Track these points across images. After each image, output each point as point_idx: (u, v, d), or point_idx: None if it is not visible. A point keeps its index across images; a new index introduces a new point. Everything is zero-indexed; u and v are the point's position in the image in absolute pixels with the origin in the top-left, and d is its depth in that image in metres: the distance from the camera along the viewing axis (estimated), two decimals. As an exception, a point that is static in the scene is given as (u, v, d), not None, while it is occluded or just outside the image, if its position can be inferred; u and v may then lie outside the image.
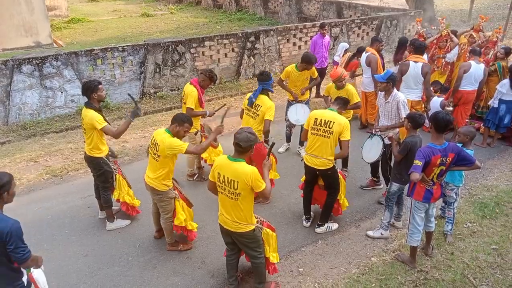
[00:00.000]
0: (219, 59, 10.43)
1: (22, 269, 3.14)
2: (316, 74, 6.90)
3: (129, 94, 5.46)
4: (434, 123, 4.04)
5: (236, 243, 3.97)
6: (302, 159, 5.05)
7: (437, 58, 8.35)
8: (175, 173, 6.34)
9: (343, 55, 8.96)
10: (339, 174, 5.04)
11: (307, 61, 6.46)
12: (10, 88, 8.07)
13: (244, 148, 3.63)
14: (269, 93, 5.51)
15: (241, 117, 5.69)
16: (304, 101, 6.75)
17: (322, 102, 9.21)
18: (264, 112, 5.30)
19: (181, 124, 4.29)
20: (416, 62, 6.58)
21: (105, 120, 4.78)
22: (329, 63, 10.82)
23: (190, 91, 5.61)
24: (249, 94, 5.52)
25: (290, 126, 6.89)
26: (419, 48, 6.80)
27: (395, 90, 5.37)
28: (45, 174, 6.52)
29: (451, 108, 6.95)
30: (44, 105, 8.46)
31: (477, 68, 6.91)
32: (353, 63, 8.37)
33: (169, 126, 4.34)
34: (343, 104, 5.02)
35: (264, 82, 5.36)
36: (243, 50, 10.68)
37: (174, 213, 4.60)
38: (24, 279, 3.16)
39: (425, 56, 7.21)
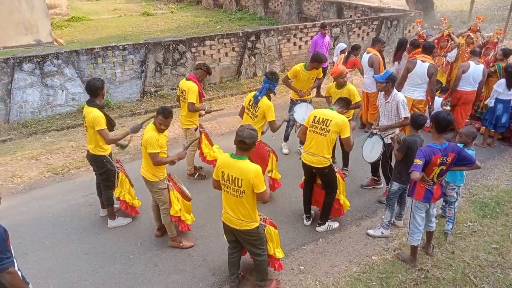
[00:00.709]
0: (219, 58, 10.44)
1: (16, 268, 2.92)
2: (321, 75, 6.89)
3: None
4: (435, 123, 4.06)
5: (240, 241, 3.99)
6: (300, 158, 5.07)
7: (437, 56, 8.38)
8: (175, 171, 6.37)
9: (339, 55, 8.99)
10: (338, 174, 5.05)
11: (318, 61, 6.42)
12: (11, 86, 8.07)
13: (249, 144, 3.64)
14: (271, 95, 5.46)
15: (241, 116, 5.64)
16: (308, 100, 6.76)
17: (323, 102, 9.24)
18: (263, 113, 5.22)
19: (156, 116, 4.34)
20: (423, 61, 6.60)
21: (108, 120, 4.81)
22: (330, 63, 10.84)
23: (191, 86, 5.65)
24: (251, 93, 5.49)
25: (293, 124, 6.86)
26: (428, 48, 6.85)
27: (394, 90, 5.39)
28: (46, 172, 6.53)
29: (448, 108, 6.99)
30: (45, 103, 8.46)
31: (476, 69, 6.94)
32: (352, 60, 8.36)
33: None
34: (345, 104, 4.98)
35: (272, 82, 5.28)
36: (243, 49, 10.69)
37: (170, 204, 4.66)
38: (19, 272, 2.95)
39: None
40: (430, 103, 6.85)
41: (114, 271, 4.52)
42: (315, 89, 9.71)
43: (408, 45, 8.19)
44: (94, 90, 4.71)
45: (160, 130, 4.37)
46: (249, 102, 5.40)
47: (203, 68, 5.82)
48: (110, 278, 4.42)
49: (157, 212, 4.88)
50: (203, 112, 6.00)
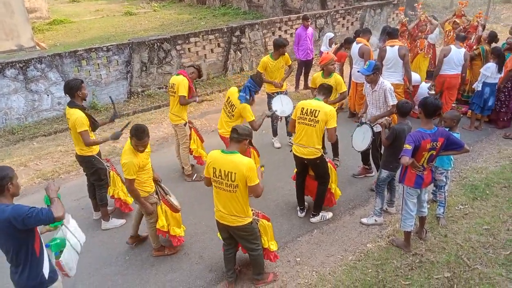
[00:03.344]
0: (205, 55, 10.39)
1: (44, 258, 3.12)
2: (290, 61, 6.93)
3: (110, 97, 5.46)
4: (423, 108, 4.09)
5: (234, 237, 3.99)
6: (291, 150, 5.07)
7: (419, 39, 8.50)
8: (170, 171, 6.34)
9: (329, 45, 9.01)
10: (329, 164, 5.08)
11: (280, 45, 6.53)
12: (-6, 93, 7.94)
13: (240, 134, 3.65)
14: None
15: None
16: (283, 91, 6.79)
17: (310, 94, 9.27)
18: (239, 113, 5.20)
19: (131, 138, 4.08)
20: (392, 46, 6.83)
21: (91, 121, 4.78)
22: (316, 54, 10.86)
23: (181, 80, 5.65)
24: (232, 89, 5.43)
25: (276, 118, 6.87)
26: (391, 33, 7.13)
27: (381, 78, 5.44)
28: (36, 178, 6.45)
29: (432, 92, 7.08)
30: (31, 109, 8.34)
31: (457, 52, 7.03)
32: (342, 54, 8.41)
33: None
34: (327, 92, 4.99)
35: (256, 84, 5.28)
36: (229, 45, 10.64)
37: (157, 218, 4.47)
38: (46, 270, 3.12)
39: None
40: (408, 85, 6.99)
41: (111, 273, 4.50)
42: (302, 81, 9.80)
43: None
44: (70, 90, 4.67)
45: (139, 151, 4.11)
46: (227, 99, 5.39)
47: (196, 66, 5.95)
48: (106, 281, 4.41)
49: (137, 221, 4.78)
50: (197, 99, 5.97)
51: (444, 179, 4.92)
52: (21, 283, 3.07)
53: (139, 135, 3.99)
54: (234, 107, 5.25)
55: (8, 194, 2.97)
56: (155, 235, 4.58)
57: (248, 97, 5.24)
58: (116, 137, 4.91)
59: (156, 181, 4.60)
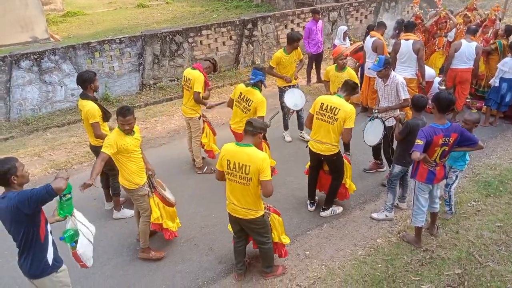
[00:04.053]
0: (217, 47, 10.37)
1: (49, 245, 3.18)
2: (302, 55, 6.88)
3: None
4: (436, 103, 4.03)
5: (245, 230, 4.01)
6: (307, 145, 5.05)
7: (438, 37, 8.32)
8: (180, 163, 6.39)
9: (343, 38, 8.90)
10: (344, 159, 5.05)
11: (294, 39, 6.48)
12: (9, 84, 8.05)
13: (255, 128, 3.65)
14: (262, 87, 5.41)
15: (230, 107, 5.60)
16: (295, 85, 6.75)
17: (323, 87, 9.21)
18: (255, 108, 5.17)
19: (117, 119, 4.10)
20: (407, 40, 6.75)
21: (103, 112, 4.82)
22: (329, 48, 10.77)
23: (198, 76, 5.63)
24: (239, 86, 5.42)
25: (288, 112, 6.86)
26: (407, 26, 7.01)
27: (393, 72, 5.39)
28: (49, 168, 6.55)
29: (443, 87, 6.97)
30: (45, 100, 8.45)
31: (468, 46, 6.90)
32: (360, 54, 8.22)
33: None
34: (351, 89, 4.85)
35: (264, 74, 5.29)
36: (241, 37, 10.60)
37: (151, 211, 4.41)
38: (50, 257, 3.17)
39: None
40: (422, 80, 6.88)
41: (122, 262, 4.57)
42: (314, 75, 9.74)
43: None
44: (83, 83, 4.73)
45: (126, 131, 4.08)
46: (239, 95, 5.34)
47: (211, 60, 5.92)
48: (118, 270, 4.48)
49: (139, 217, 4.69)
50: (208, 104, 5.91)
51: (454, 178, 4.85)
52: (25, 269, 3.14)
53: (123, 113, 4.01)
54: (251, 102, 5.20)
55: (15, 185, 3.03)
56: (146, 233, 4.48)
57: (252, 81, 5.24)
58: None
59: (150, 176, 4.50)
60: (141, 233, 4.51)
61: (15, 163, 3.04)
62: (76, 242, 3.33)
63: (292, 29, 11.48)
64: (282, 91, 6.73)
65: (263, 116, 5.16)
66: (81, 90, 4.86)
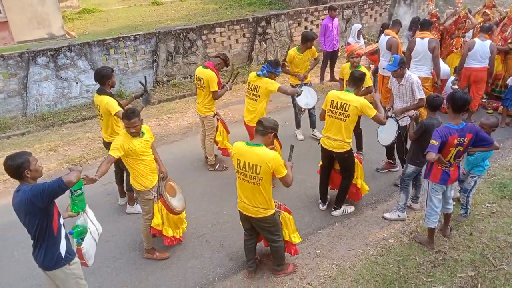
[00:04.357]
0: (230, 45, 10.39)
1: (61, 237, 3.25)
2: (316, 54, 6.84)
3: (140, 82, 5.50)
4: (451, 103, 3.97)
5: (256, 228, 4.02)
6: (319, 142, 5.04)
7: (456, 37, 8.19)
8: (192, 161, 6.43)
9: (357, 37, 8.83)
10: (356, 158, 5.02)
11: (308, 39, 6.44)
12: (26, 80, 8.20)
13: (265, 127, 3.64)
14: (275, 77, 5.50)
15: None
16: (308, 83, 6.72)
17: (336, 86, 9.15)
18: (264, 88, 5.29)
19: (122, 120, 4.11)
20: (422, 38, 6.64)
21: (120, 105, 4.86)
22: (342, 46, 10.70)
23: (210, 75, 5.65)
24: (251, 74, 5.51)
25: (300, 110, 6.84)
26: (423, 24, 6.87)
27: (408, 71, 5.32)
28: (64, 163, 6.66)
29: (456, 87, 6.87)
30: (60, 96, 8.59)
31: (482, 45, 6.78)
32: (375, 57, 8.13)
33: None
34: (358, 81, 4.74)
35: (275, 68, 5.36)
36: (254, 35, 10.60)
37: (153, 216, 4.38)
38: (62, 249, 3.24)
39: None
40: (437, 79, 6.79)
41: (135, 257, 4.64)
42: (328, 73, 9.69)
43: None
44: (101, 79, 4.78)
45: (133, 134, 4.03)
46: (248, 85, 5.49)
47: (222, 56, 5.90)
48: (131, 264, 4.54)
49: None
50: (228, 87, 5.98)
51: (472, 183, 4.77)
52: (39, 260, 3.22)
53: (129, 115, 3.96)
54: (258, 87, 5.33)
55: (28, 178, 3.08)
56: (148, 235, 4.48)
57: (262, 73, 5.32)
58: (147, 101, 5.02)
59: (160, 179, 4.44)
60: (143, 235, 4.55)
61: (28, 157, 3.09)
62: (82, 239, 3.38)
63: (305, 27, 11.44)
64: (294, 88, 6.70)
65: (278, 87, 5.29)
66: (97, 87, 4.91)
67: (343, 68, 6.14)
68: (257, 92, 5.37)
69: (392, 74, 5.34)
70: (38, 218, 3.06)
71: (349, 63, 5.99)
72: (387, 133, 5.30)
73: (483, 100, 7.66)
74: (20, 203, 3.00)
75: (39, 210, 3.02)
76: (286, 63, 6.63)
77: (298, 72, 6.65)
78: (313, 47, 6.63)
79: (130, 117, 3.96)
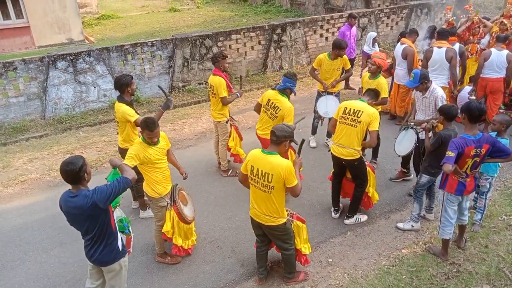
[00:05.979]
0: (245, 52, 10.46)
1: (118, 232, 3.43)
2: (349, 65, 6.74)
3: (159, 86, 5.58)
4: (467, 113, 3.93)
5: (267, 235, 4.03)
6: (329, 150, 5.02)
7: (470, 43, 8.10)
8: (206, 166, 6.46)
9: (372, 45, 8.80)
10: (368, 167, 4.99)
11: (338, 47, 6.30)
12: (46, 83, 8.40)
13: (278, 137, 3.65)
14: (291, 95, 5.28)
15: (257, 111, 5.55)
16: (334, 93, 6.65)
17: (351, 94, 9.13)
18: (283, 116, 5.08)
19: (143, 131, 4.10)
20: (439, 47, 6.58)
21: (136, 113, 4.93)
22: (358, 54, 10.67)
23: (218, 81, 5.69)
24: (268, 92, 5.32)
25: (319, 118, 6.82)
26: (441, 33, 6.79)
27: (433, 84, 5.22)
28: (81, 166, 6.76)
29: (473, 97, 6.78)
30: (78, 100, 8.76)
31: (498, 55, 6.69)
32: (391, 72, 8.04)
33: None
34: (373, 95, 4.89)
35: (293, 82, 5.14)
36: (269, 42, 10.66)
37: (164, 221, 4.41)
38: (120, 243, 3.41)
39: (457, 46, 7.01)
40: (453, 89, 6.71)
41: (147, 261, 4.68)
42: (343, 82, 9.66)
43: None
44: (121, 86, 4.86)
45: (153, 143, 4.10)
46: (267, 102, 5.24)
47: (218, 56, 5.78)
48: (143, 268, 4.58)
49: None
50: (239, 94, 6.02)
51: (488, 186, 4.72)
52: (97, 258, 3.32)
53: (150, 126, 3.98)
54: (279, 109, 5.11)
55: (85, 182, 3.19)
56: (160, 240, 4.54)
57: (279, 88, 5.16)
58: (167, 106, 5.05)
59: (174, 187, 4.45)
60: (155, 240, 4.62)
61: (85, 161, 3.18)
62: (129, 230, 3.63)
63: (321, 34, 11.47)
64: (319, 95, 6.70)
65: (293, 122, 5.11)
66: (115, 92, 5.00)
67: (364, 75, 6.10)
68: (276, 113, 5.15)
69: (415, 88, 5.29)
70: (101, 219, 3.18)
71: (369, 73, 5.93)
72: (405, 144, 5.25)
73: (501, 111, 7.54)
74: (81, 208, 3.08)
75: (100, 211, 3.14)
76: (315, 68, 6.59)
77: (328, 78, 6.56)
78: (345, 56, 6.50)
79: (152, 128, 3.99)
